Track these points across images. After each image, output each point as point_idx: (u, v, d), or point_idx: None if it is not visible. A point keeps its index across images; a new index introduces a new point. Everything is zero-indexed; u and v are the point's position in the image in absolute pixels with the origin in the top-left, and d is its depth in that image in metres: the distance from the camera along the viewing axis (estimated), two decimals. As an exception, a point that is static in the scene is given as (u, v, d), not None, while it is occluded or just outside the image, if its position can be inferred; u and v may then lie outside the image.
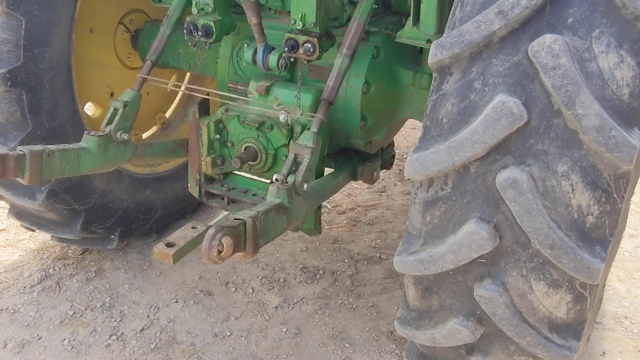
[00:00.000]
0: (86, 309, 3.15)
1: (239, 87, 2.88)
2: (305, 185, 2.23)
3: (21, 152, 2.24)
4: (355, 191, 4.45)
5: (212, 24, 2.61)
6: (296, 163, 2.26)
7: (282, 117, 2.57)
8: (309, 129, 2.32)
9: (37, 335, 2.96)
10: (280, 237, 3.85)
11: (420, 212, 1.84)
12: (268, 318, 3.16)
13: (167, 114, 4.01)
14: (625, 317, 3.29)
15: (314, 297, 3.33)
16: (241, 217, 1.84)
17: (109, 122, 2.59)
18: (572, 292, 1.73)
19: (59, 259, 3.53)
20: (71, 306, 3.17)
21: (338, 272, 3.55)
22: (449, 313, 1.90)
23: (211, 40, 2.64)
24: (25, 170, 2.24)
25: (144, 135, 3.83)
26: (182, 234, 2.48)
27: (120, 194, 3.35)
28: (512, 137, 1.63)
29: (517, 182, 1.60)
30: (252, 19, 2.54)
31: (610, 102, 1.56)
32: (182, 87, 3.51)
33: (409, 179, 1.89)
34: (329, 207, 4.26)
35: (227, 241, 1.72)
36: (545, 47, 1.55)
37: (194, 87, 2.86)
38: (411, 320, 2.03)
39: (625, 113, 1.57)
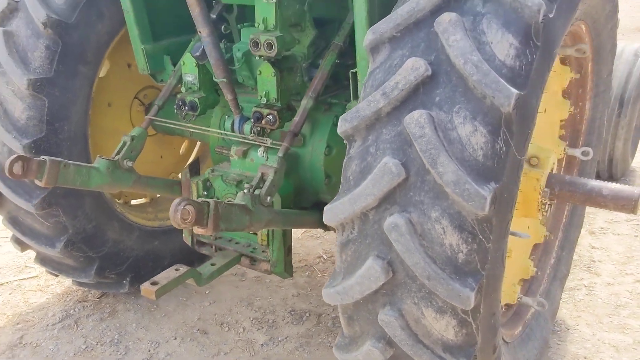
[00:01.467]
0: (97, 344, 3.63)
1: (224, 151, 3.39)
2: (269, 199, 2.70)
3: (43, 159, 2.74)
4: (350, 242, 4.84)
5: (197, 100, 3.15)
6: (262, 180, 2.75)
7: (259, 153, 3.07)
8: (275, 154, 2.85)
9: (53, 365, 3.46)
10: (275, 284, 4.29)
11: (339, 252, 2.25)
12: (253, 354, 3.56)
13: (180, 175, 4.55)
14: (585, 358, 3.55)
15: (297, 336, 3.71)
16: (207, 200, 2.28)
17: (118, 152, 3.13)
18: (455, 317, 2.09)
19: (80, 302, 4.05)
20: (85, 341, 3.66)
21: (323, 315, 3.93)
22: (366, 337, 2.28)
23: (197, 114, 3.18)
24: (44, 174, 2.72)
25: (159, 195, 4.36)
26: (166, 274, 2.94)
27: (130, 244, 3.86)
28: (397, 190, 2.04)
29: (397, 226, 2.01)
30: (228, 96, 3.06)
31: (468, 162, 1.96)
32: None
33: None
34: (325, 257, 4.67)
35: (190, 209, 2.14)
36: (414, 120, 1.98)
37: (198, 127, 3.33)
38: (344, 346, 2.41)
39: (481, 170, 1.97)
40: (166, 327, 3.81)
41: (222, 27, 3.27)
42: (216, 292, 4.19)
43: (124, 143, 3.15)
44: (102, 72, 3.84)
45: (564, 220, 3.54)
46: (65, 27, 3.21)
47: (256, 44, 2.81)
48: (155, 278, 2.91)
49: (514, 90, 1.93)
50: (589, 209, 5.55)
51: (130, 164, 3.13)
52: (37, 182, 2.78)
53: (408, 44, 2.12)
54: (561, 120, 3.37)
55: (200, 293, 4.18)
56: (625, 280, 4.40)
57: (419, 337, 2.15)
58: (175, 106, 3.20)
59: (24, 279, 4.35)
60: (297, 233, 5.01)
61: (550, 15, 2.08)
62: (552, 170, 2.93)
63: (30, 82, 3.11)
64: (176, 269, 2.99)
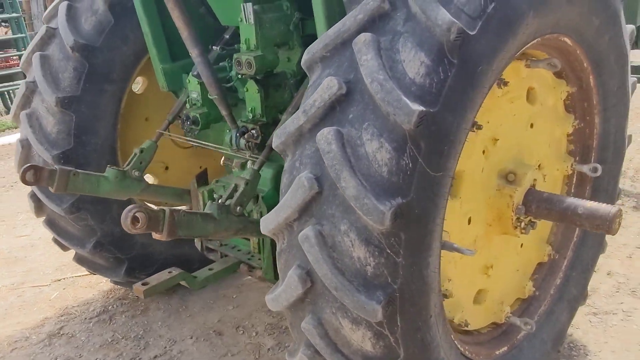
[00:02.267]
0: (122, 338, 3.97)
1: (229, 163, 3.60)
2: (239, 208, 2.86)
3: (54, 168, 3.09)
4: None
5: (198, 115, 3.39)
6: (235, 190, 2.91)
7: (248, 165, 3.25)
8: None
9: (80, 355, 3.82)
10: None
11: (277, 262, 2.36)
12: (259, 357, 3.73)
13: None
14: (595, 385, 3.36)
15: (304, 343, 3.83)
16: (163, 208, 2.49)
17: (128, 163, 3.44)
18: (370, 329, 2.13)
19: (119, 299, 4.43)
20: (113, 335, 4.01)
21: (336, 324, 4.00)
22: (300, 344, 2.37)
23: (199, 128, 3.42)
24: (54, 181, 3.08)
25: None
26: (158, 276, 3.20)
27: (160, 248, 4.17)
28: (312, 203, 2.13)
29: (308, 237, 2.09)
30: (223, 111, 3.27)
31: (374, 178, 2.01)
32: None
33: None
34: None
35: (140, 216, 2.35)
36: (324, 136, 2.06)
37: (201, 142, 3.58)
38: (292, 352, 2.51)
39: (386, 186, 2.00)
40: (187, 326, 4.07)
41: (219, 48, 3.49)
42: (243, 297, 4.40)
43: (134, 154, 3.46)
44: (140, 90, 4.22)
45: (575, 239, 3.37)
46: (91, 50, 3.58)
47: (239, 63, 3.00)
48: (148, 279, 3.19)
49: (416, 108, 1.96)
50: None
51: (137, 173, 3.42)
52: (50, 189, 3.14)
53: (335, 63, 2.20)
54: (568, 135, 3.24)
55: (228, 297, 4.41)
56: (672, 307, 4.08)
57: (338, 347, 2.21)
58: (180, 121, 3.46)
59: (79, 276, 4.81)
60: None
61: (472, 33, 2.08)
62: (533, 187, 2.85)
63: (58, 99, 3.50)
64: (169, 272, 3.23)
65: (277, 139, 2.27)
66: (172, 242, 4.19)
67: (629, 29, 3.16)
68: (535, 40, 2.51)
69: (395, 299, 2.09)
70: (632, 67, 6.21)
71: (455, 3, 2.08)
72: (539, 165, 3.09)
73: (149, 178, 4.46)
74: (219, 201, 2.82)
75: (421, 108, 1.97)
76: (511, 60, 2.38)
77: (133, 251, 4.03)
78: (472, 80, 2.13)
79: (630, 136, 3.51)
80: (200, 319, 4.16)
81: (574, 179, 3.35)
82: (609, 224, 2.58)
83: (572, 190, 3.36)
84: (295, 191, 2.13)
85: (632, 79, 3.34)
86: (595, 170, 3.20)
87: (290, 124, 2.20)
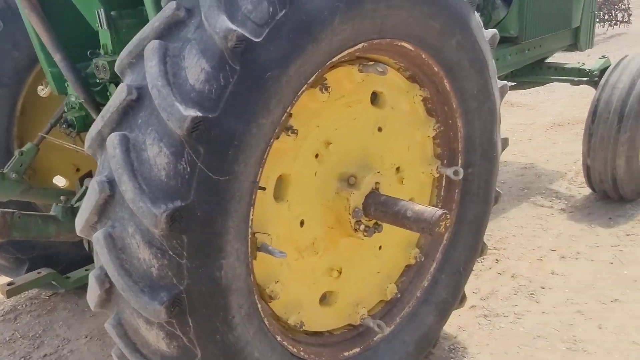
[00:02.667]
0: (20, 337, 4.05)
1: (111, 166, 3.68)
2: None
3: None
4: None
5: (74, 118, 3.46)
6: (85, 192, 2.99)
7: None
8: None
9: (-26, 353, 3.92)
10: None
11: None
12: (145, 356, 3.79)
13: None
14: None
15: (194, 343, 3.89)
16: None
17: (8, 166, 3.53)
18: (162, 330, 2.19)
19: (30, 299, 4.52)
20: (12, 334, 4.10)
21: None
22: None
23: (76, 131, 3.49)
24: None
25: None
26: (27, 276, 3.28)
27: (64, 248, 4.24)
28: (107, 206, 2.19)
29: (99, 239, 2.16)
30: (93, 115, 3.33)
31: (154, 182, 2.07)
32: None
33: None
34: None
35: None
36: (111, 141, 2.13)
37: (75, 146, 3.67)
38: (116, 351, 2.59)
39: (165, 190, 2.06)
40: (87, 326, 4.15)
41: (89, 52, 3.55)
42: (150, 297, 4.47)
43: (15, 157, 3.54)
44: (46, 93, 4.30)
45: (445, 242, 3.40)
46: (-21, 55, 3.68)
47: (97, 68, 3.07)
48: (15, 279, 3.26)
49: (188, 114, 2.02)
50: (572, 232, 5.20)
51: (14, 175, 3.50)
52: None
53: (137, 69, 2.26)
54: (433, 138, 3.28)
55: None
56: (565, 310, 4.09)
57: (137, 347, 2.28)
58: (58, 124, 3.54)
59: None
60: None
61: (257, 40, 2.12)
62: (377, 189, 2.89)
63: (-55, 103, 3.61)
64: (38, 272, 3.31)
65: (86, 143, 2.33)
66: (78, 244, 4.29)
67: (489, 33, 3.20)
68: (360, 46, 2.55)
69: (182, 300, 2.15)
70: (566, 68, 6.25)
71: (242, 10, 2.13)
72: (397, 168, 3.14)
73: (60, 180, 4.55)
74: (60, 203, 2.89)
75: (195, 114, 2.03)
76: (322, 65, 2.41)
77: (34, 252, 4.11)
78: (259, 86, 2.17)
79: (505, 139, 3.54)
80: (102, 319, 4.18)
81: (443, 183, 3.39)
82: (432, 227, 2.62)
83: (442, 194, 3.40)
84: (90, 194, 2.20)
85: (500, 82, 3.37)
86: (457, 173, 3.24)
87: (93, 128, 2.27)
